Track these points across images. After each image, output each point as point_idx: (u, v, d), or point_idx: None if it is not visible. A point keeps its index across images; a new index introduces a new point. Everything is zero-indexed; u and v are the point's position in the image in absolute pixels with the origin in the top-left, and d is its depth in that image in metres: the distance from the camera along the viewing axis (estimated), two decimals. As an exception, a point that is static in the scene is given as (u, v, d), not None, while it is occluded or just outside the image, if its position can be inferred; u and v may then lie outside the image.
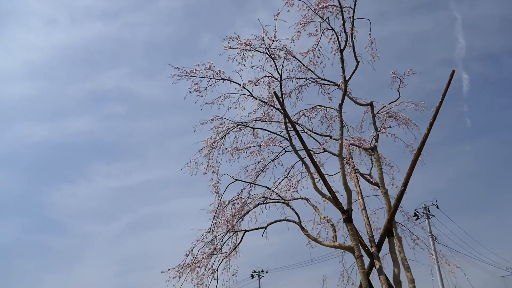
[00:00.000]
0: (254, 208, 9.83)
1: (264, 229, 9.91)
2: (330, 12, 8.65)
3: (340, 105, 9.15)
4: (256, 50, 8.57)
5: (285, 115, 9.03)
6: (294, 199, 10.17)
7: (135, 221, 64.30)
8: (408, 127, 10.10)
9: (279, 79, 8.96)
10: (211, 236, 9.53)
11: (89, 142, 71.24)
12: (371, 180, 10.00)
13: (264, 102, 9.20)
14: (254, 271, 41.48)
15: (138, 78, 71.06)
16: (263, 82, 9.07)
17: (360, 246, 8.43)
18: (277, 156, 10.50)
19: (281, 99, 8.71)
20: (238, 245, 9.75)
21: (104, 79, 70.22)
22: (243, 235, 9.84)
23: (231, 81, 8.72)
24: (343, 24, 8.59)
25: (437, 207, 28.10)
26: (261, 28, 8.36)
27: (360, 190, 9.93)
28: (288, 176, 10.77)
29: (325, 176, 9.74)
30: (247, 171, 10.37)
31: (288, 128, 9.37)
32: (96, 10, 70.13)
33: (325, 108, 10.50)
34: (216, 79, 8.64)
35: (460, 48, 57.58)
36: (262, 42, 8.48)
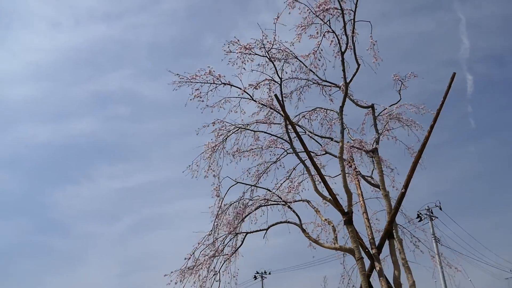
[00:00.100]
0: (255, 210, 9.88)
1: (265, 231, 9.96)
2: (331, 14, 8.69)
3: (341, 108, 9.18)
4: (256, 54, 8.62)
5: (286, 117, 9.07)
6: (295, 201, 10.21)
7: (138, 222, 64.54)
8: (412, 129, 10.10)
9: (279, 82, 9.00)
10: (212, 238, 9.57)
11: (92, 143, 71.59)
12: (372, 182, 10.02)
13: (264, 105, 9.24)
14: (257, 272, 41.59)
15: (142, 79, 71.36)
16: (264, 84, 9.11)
17: (360, 248, 8.46)
18: (278, 158, 10.55)
19: (281, 101, 8.75)
20: (239, 247, 9.80)
21: (107, 81, 70.55)
22: (244, 237, 9.88)
23: (231, 85, 8.77)
24: (344, 27, 8.62)
25: (440, 208, 28.08)
26: (261, 31, 8.43)
27: (361, 192, 9.95)
28: (289, 177, 10.82)
29: (327, 178, 9.78)
30: (249, 173, 10.45)
31: (289, 131, 9.41)
32: (99, 12, 70.52)
33: (325, 110, 10.53)
34: (216, 83, 8.70)
35: (464, 49, 57.47)
36: (262, 46, 8.52)
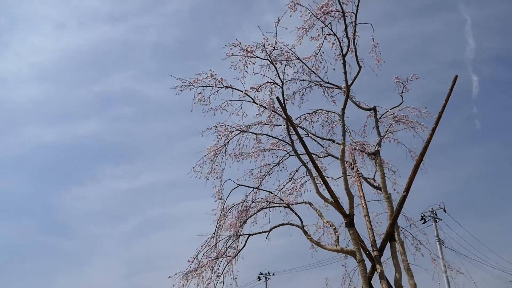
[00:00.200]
0: (257, 212, 9.92)
1: (267, 233, 10.00)
2: (333, 17, 8.72)
3: (343, 110, 9.20)
4: (257, 57, 8.66)
5: (287, 119, 9.10)
6: (298, 203, 10.25)
7: (143, 223, 64.71)
8: (416, 130, 10.06)
9: (280, 84, 9.03)
10: (215, 240, 9.62)
11: (97, 144, 71.88)
12: (374, 184, 10.03)
13: (266, 107, 9.27)
14: (261, 273, 41.57)
15: (146, 80, 71.55)
16: (265, 87, 9.15)
17: (362, 251, 8.48)
18: (281, 160, 10.58)
19: (283, 104, 8.78)
20: (242, 249, 9.84)
21: (111, 82, 70.84)
22: (247, 239, 9.93)
23: (233, 88, 8.82)
24: (346, 29, 8.64)
25: (445, 210, 27.98)
26: (262, 34, 8.47)
27: (363, 194, 9.96)
28: (292, 179, 10.86)
29: (329, 179, 9.82)
30: (251, 174, 10.48)
31: (291, 133, 9.44)
32: (103, 13, 70.79)
33: (326, 113, 10.55)
34: (218, 87, 8.75)
35: (470, 50, 57.14)
36: (264, 49, 8.56)
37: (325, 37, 8.89)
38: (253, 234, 9.98)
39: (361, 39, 8.87)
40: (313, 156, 9.48)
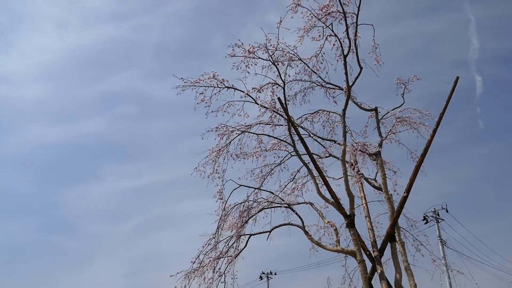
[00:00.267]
0: (258, 212, 9.97)
1: (268, 233, 10.05)
2: (334, 17, 8.75)
3: (344, 111, 9.24)
4: (259, 58, 8.70)
5: (289, 120, 9.14)
6: (299, 203, 10.29)
7: (146, 222, 64.75)
8: (420, 131, 10.05)
9: (282, 85, 9.07)
10: (216, 241, 9.67)
11: (101, 143, 71.98)
12: (375, 185, 10.06)
13: (266, 107, 9.31)
14: (263, 273, 41.62)
15: (149, 79, 71.66)
16: (267, 87, 9.18)
17: (362, 251, 8.50)
18: (282, 160, 10.62)
19: (284, 104, 8.82)
20: (243, 249, 9.89)
21: (115, 81, 70.86)
22: (248, 239, 9.98)
23: (235, 89, 8.86)
24: (347, 30, 8.67)
25: (447, 211, 27.96)
26: (264, 36, 8.50)
27: (364, 195, 9.99)
28: (294, 179, 10.90)
29: (330, 180, 9.84)
30: (253, 173, 10.52)
31: (292, 133, 9.48)
32: (106, 13, 70.83)
33: (327, 113, 10.58)
34: (220, 87, 8.79)
35: (474, 50, 56.84)
36: (265, 50, 8.60)
37: (326, 38, 8.93)
38: (254, 234, 10.03)
39: (363, 39, 8.91)
40: (314, 156, 9.52)
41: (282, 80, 9.02)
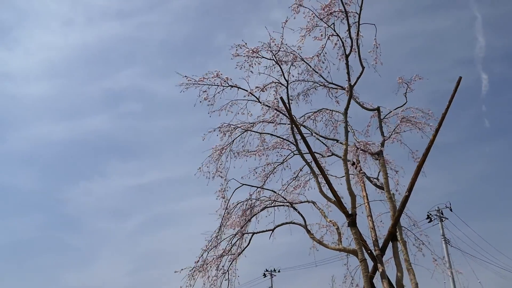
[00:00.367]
0: (261, 211, 10.04)
1: (271, 231, 10.12)
2: (336, 17, 8.78)
3: (345, 110, 9.27)
4: (263, 57, 8.75)
5: (291, 120, 9.19)
6: (301, 202, 10.35)
7: (150, 219, 65.11)
8: (424, 131, 10.02)
9: (285, 84, 9.12)
10: (218, 239, 9.75)
11: (105, 140, 72.29)
12: (378, 184, 10.08)
13: (269, 106, 9.36)
14: (267, 270, 41.71)
15: (154, 77, 71.80)
16: (270, 87, 9.24)
17: (363, 250, 8.55)
18: (285, 159, 10.66)
19: (287, 104, 8.87)
20: (246, 247, 9.97)
21: (120, 78, 71.09)
22: (251, 237, 10.06)
23: (238, 87, 8.91)
24: (349, 30, 8.70)
25: (451, 209, 27.91)
26: (268, 34, 8.56)
27: (366, 194, 10.03)
28: (296, 178, 10.95)
29: (333, 178, 9.91)
30: (255, 172, 10.59)
31: (295, 133, 9.53)
32: (111, 10, 70.96)
33: (330, 112, 10.61)
34: (223, 86, 8.85)
35: (480, 48, 56.43)
36: (269, 49, 8.65)
37: (328, 38, 8.96)
38: (257, 233, 10.11)
39: (366, 39, 8.93)
40: (317, 155, 9.56)
41: (286, 80, 9.07)
